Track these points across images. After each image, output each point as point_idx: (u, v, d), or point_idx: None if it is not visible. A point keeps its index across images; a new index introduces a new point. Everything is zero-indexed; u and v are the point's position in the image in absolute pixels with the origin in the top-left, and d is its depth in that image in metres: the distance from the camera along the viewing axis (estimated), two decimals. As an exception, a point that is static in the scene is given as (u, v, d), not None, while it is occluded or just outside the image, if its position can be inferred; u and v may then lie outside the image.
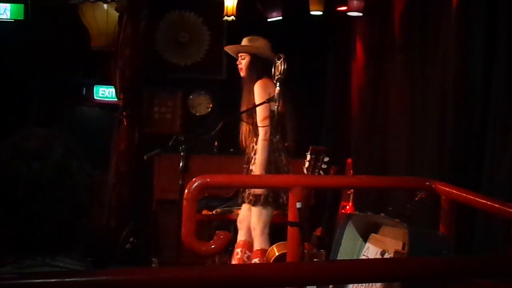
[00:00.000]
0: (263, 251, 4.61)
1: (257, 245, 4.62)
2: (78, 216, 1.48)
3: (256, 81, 4.53)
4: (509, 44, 3.50)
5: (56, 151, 1.48)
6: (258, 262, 4.52)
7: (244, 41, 4.76)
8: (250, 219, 4.64)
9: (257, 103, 4.41)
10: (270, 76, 4.36)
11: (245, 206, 4.72)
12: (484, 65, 3.73)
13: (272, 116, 4.46)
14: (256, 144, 4.55)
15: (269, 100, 4.29)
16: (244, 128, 4.65)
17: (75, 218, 1.47)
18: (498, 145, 3.54)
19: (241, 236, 4.74)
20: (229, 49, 4.88)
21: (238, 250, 4.72)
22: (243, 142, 4.69)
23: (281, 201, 4.53)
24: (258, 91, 4.47)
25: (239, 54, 4.71)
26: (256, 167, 4.49)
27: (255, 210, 4.60)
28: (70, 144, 1.53)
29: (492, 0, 3.67)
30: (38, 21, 7.12)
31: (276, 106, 4.10)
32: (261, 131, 4.48)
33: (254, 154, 4.57)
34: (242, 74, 4.69)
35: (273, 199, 4.54)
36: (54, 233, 1.44)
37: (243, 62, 4.67)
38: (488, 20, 3.70)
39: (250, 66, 4.65)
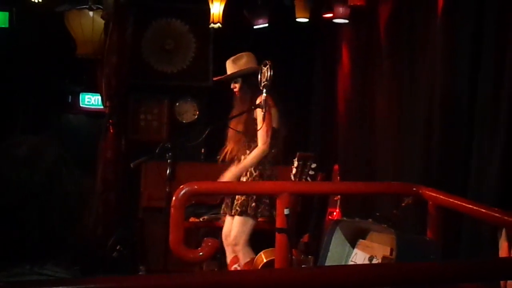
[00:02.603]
0: (251, 260, 4.55)
1: (242, 258, 4.52)
2: (67, 224, 1.47)
3: (253, 98, 4.48)
4: (496, 50, 3.52)
5: (47, 158, 1.48)
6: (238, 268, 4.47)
7: (229, 64, 4.71)
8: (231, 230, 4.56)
9: (259, 121, 4.35)
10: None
11: (229, 219, 4.62)
12: (470, 70, 3.75)
13: (273, 130, 4.46)
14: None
15: (255, 107, 4.27)
16: (235, 139, 4.59)
17: (65, 226, 1.47)
18: (485, 151, 3.55)
19: (234, 252, 4.58)
20: (219, 79, 4.84)
21: (236, 266, 4.54)
22: (231, 153, 4.60)
23: (261, 210, 4.48)
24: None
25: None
26: (238, 169, 4.47)
27: (239, 220, 4.51)
28: (60, 151, 1.52)
29: (478, 6, 3.70)
30: (23, 29, 7.08)
31: (263, 113, 4.08)
32: (261, 141, 4.44)
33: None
34: (238, 95, 4.67)
35: (255, 209, 4.49)
36: (43, 240, 1.43)
37: (237, 86, 4.66)
38: (474, 26, 3.73)
39: (244, 87, 4.64)
